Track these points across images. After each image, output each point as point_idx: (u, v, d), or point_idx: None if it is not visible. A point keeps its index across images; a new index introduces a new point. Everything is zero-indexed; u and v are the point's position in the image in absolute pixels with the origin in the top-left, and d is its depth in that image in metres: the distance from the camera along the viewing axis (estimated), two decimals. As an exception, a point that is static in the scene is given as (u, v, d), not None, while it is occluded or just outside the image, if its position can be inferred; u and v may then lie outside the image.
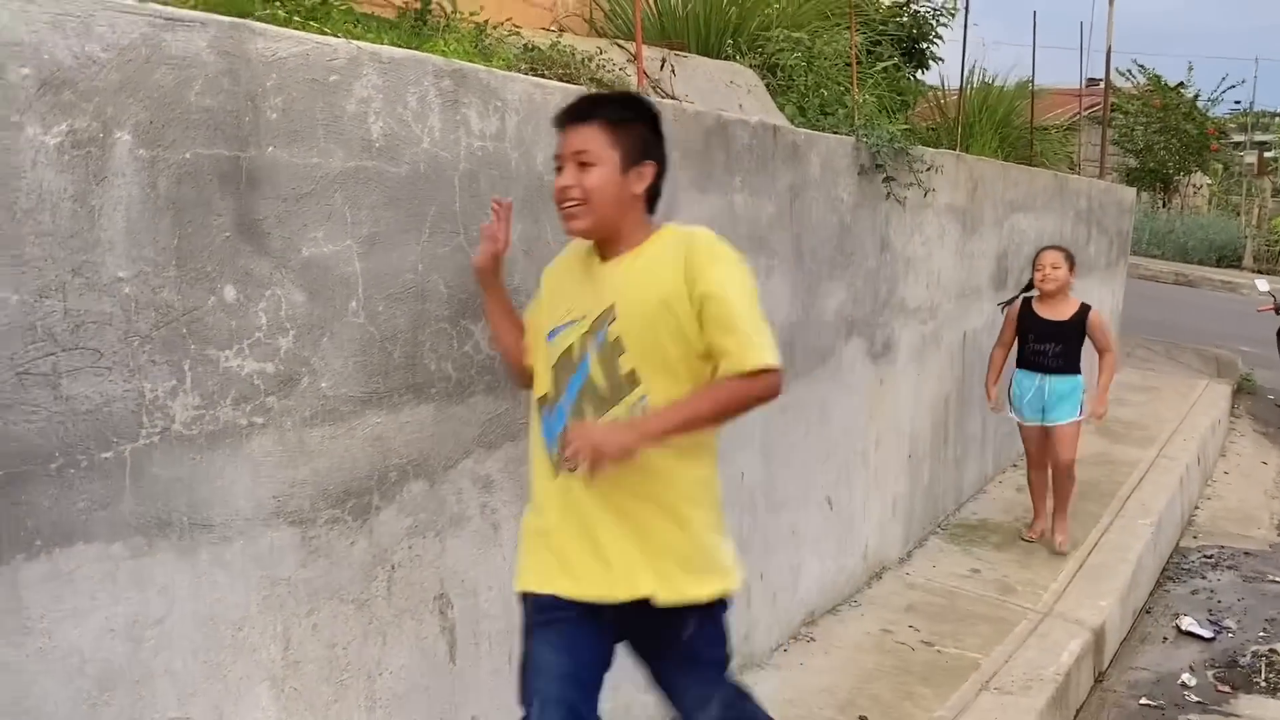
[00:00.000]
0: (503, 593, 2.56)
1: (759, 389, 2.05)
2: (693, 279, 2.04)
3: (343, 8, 2.75)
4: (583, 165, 2.06)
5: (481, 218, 2.39)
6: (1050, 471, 5.22)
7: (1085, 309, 5.07)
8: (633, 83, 2.95)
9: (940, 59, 7.87)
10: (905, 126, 4.70)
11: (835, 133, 4.07)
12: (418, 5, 3.11)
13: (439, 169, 2.29)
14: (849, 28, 5.12)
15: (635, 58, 3.30)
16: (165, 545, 1.81)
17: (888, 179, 4.26)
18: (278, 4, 2.33)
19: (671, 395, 2.06)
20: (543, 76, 2.68)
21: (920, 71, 7.85)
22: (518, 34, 3.08)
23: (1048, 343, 5.04)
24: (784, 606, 3.91)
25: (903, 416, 4.83)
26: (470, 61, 2.42)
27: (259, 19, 2.02)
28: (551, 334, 2.19)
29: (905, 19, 7.55)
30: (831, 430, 4.13)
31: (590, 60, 2.84)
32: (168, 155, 1.75)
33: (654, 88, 3.35)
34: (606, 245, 2.14)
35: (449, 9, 2.99)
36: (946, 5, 7.79)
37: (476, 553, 2.49)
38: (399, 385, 2.24)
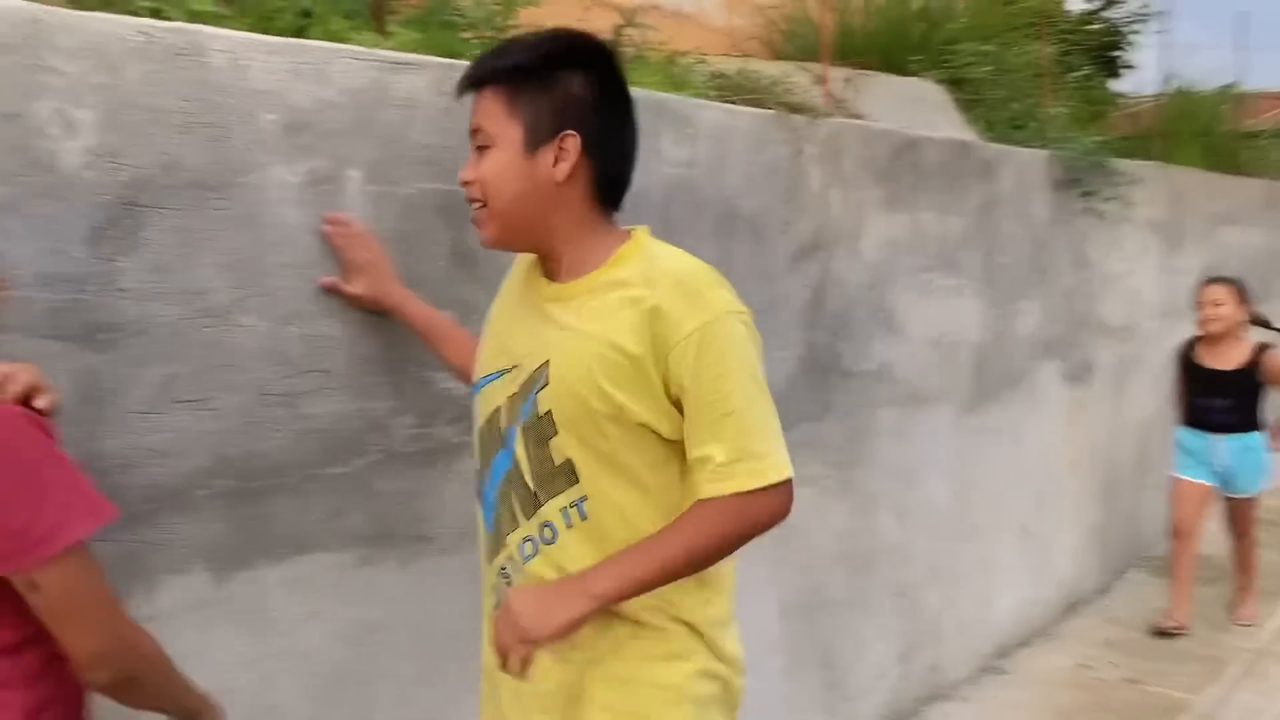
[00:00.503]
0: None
1: (759, 513, 1.45)
2: (663, 356, 1.42)
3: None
4: (480, 149, 1.49)
5: (673, 243, 2.44)
6: (1231, 538, 4.53)
7: (1262, 350, 4.19)
8: (819, 103, 2.95)
9: (1134, 66, 7.53)
10: (1100, 138, 4.51)
11: (1027, 147, 3.95)
12: (605, 36, 3.21)
13: (634, 196, 2.33)
14: (1039, 38, 4.96)
15: (820, 79, 3.30)
16: (388, 556, 1.92)
17: (1084, 193, 4.09)
18: (485, 44, 2.45)
19: (625, 504, 1.48)
20: (731, 102, 2.72)
21: (1113, 80, 7.52)
22: (704, 61, 3.13)
23: (1215, 397, 4.23)
24: (974, 637, 3.79)
25: (1101, 442, 4.62)
26: (664, 91, 2.49)
27: (468, 59, 2.14)
28: (479, 384, 1.61)
29: (1097, 27, 7.25)
30: (1025, 455, 3.99)
31: (777, 84, 2.87)
32: (393, 190, 1.87)
33: (841, 108, 3.34)
34: (546, 263, 1.56)
35: (638, 39, 3.07)
36: (1140, 11, 7.45)
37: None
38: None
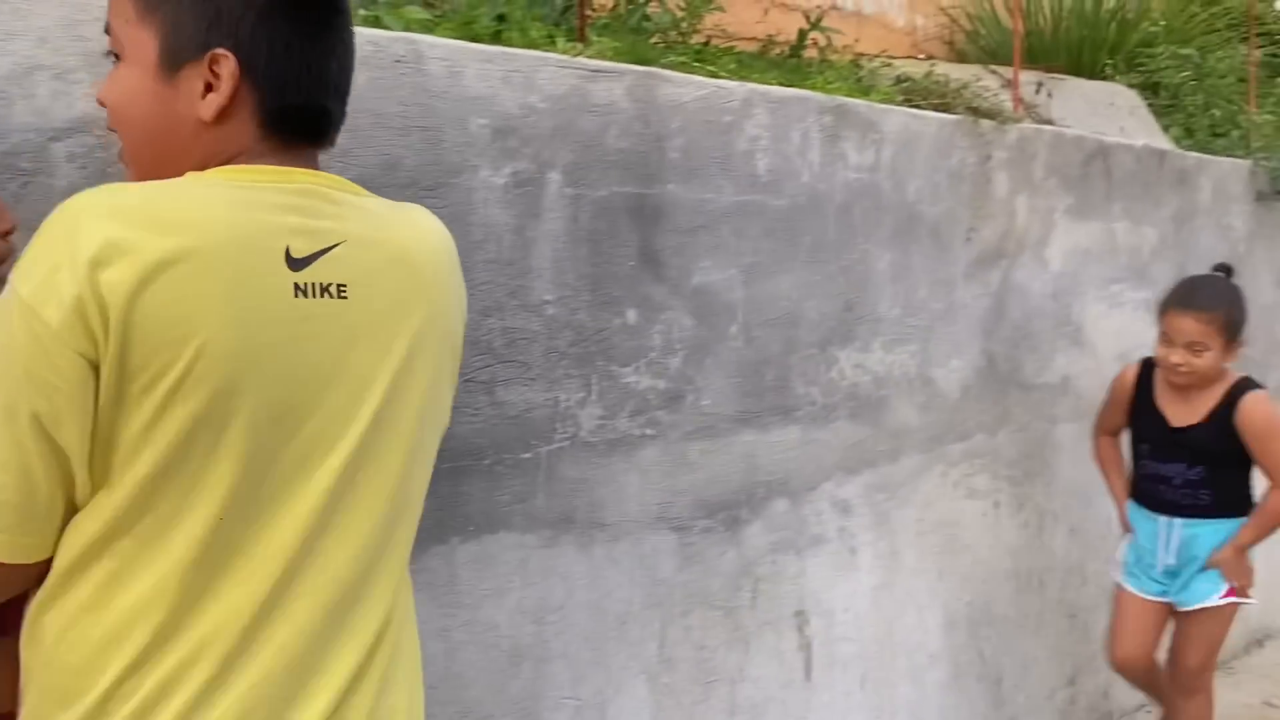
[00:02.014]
0: (856, 616, 2.60)
1: None
2: None
3: (724, 45, 2.92)
4: (114, 59, 1.09)
5: (852, 247, 2.46)
6: (1168, 677, 2.92)
7: (1239, 390, 2.70)
8: (1009, 108, 2.90)
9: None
10: (1310, 147, 4.24)
11: (1228, 156, 3.76)
12: (784, 36, 3.24)
13: (816, 201, 2.38)
14: (1244, 40, 4.70)
15: (1009, 83, 3.24)
16: (568, 539, 2.01)
17: (1290, 206, 3.86)
18: (672, 50, 2.52)
19: None
20: (918, 106, 2.71)
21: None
22: (890, 65, 3.12)
23: (1173, 461, 2.76)
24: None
25: (1297, 469, 4.33)
26: (850, 95, 2.50)
27: (662, 66, 2.21)
28: None
29: (1310, 26, 6.78)
30: (1212, 478, 3.79)
31: (965, 87, 2.83)
32: (588, 193, 1.96)
33: (1030, 113, 3.26)
34: None
35: (823, 42, 3.09)
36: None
37: (833, 574, 2.54)
38: (769, 406, 2.35)
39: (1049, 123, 3.24)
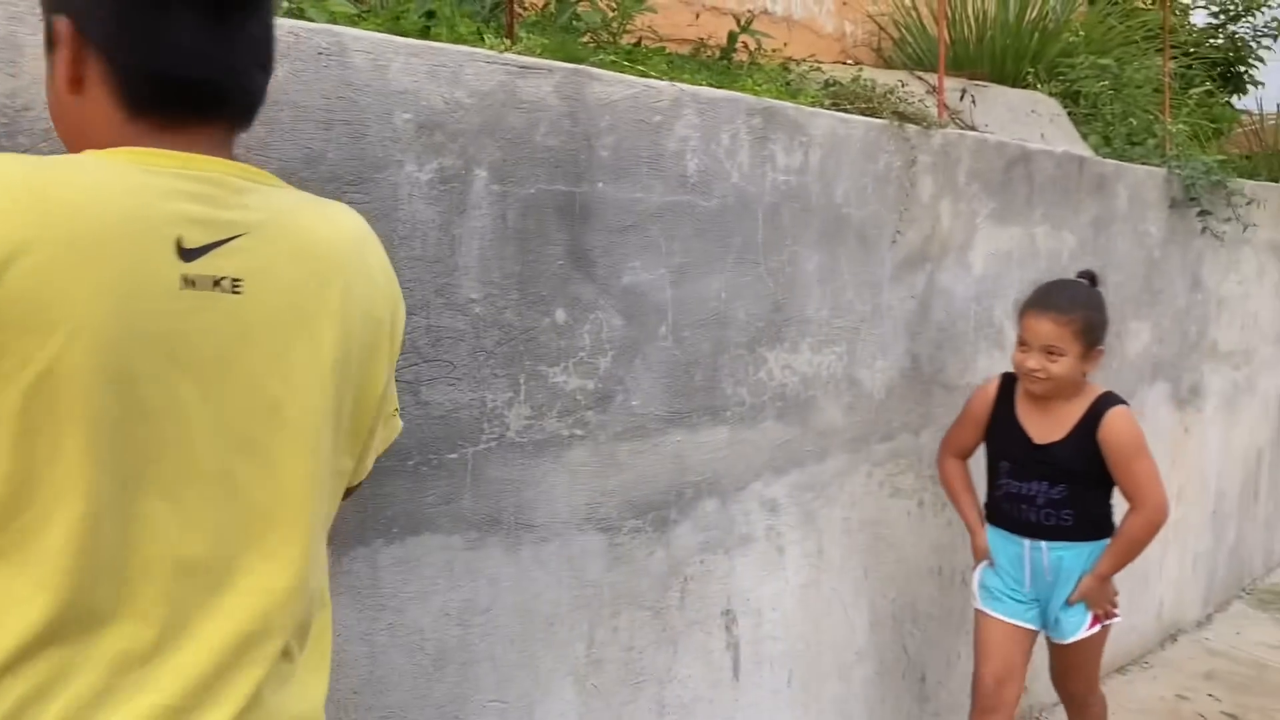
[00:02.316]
0: (784, 615, 2.61)
1: None
2: None
3: (655, 46, 2.92)
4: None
5: (781, 249, 2.47)
6: (1063, 696, 2.94)
7: (1103, 405, 2.59)
8: (934, 114, 2.94)
9: (1260, 83, 7.26)
10: (1221, 157, 4.38)
11: (1144, 163, 3.86)
12: (715, 40, 3.26)
13: (745, 202, 2.39)
14: (1159, 52, 4.84)
15: (935, 89, 3.29)
16: (494, 541, 1.99)
17: (1202, 213, 3.98)
18: (603, 49, 2.51)
19: None
20: (845, 110, 2.74)
21: (1236, 97, 7.27)
22: (819, 69, 3.15)
23: (1034, 480, 2.64)
24: (1068, 659, 3.71)
25: (1209, 469, 4.48)
26: (779, 99, 2.52)
27: (592, 64, 2.20)
28: None
29: (1221, 41, 7.02)
30: (1128, 477, 3.89)
31: (891, 93, 2.87)
32: (516, 190, 1.94)
33: (954, 119, 3.32)
34: None
35: (753, 45, 3.10)
36: (1268, 25, 7.17)
37: (761, 573, 2.56)
38: (698, 407, 2.35)
39: (972, 129, 3.30)
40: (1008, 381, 2.72)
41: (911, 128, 2.78)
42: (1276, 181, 5.12)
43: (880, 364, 2.84)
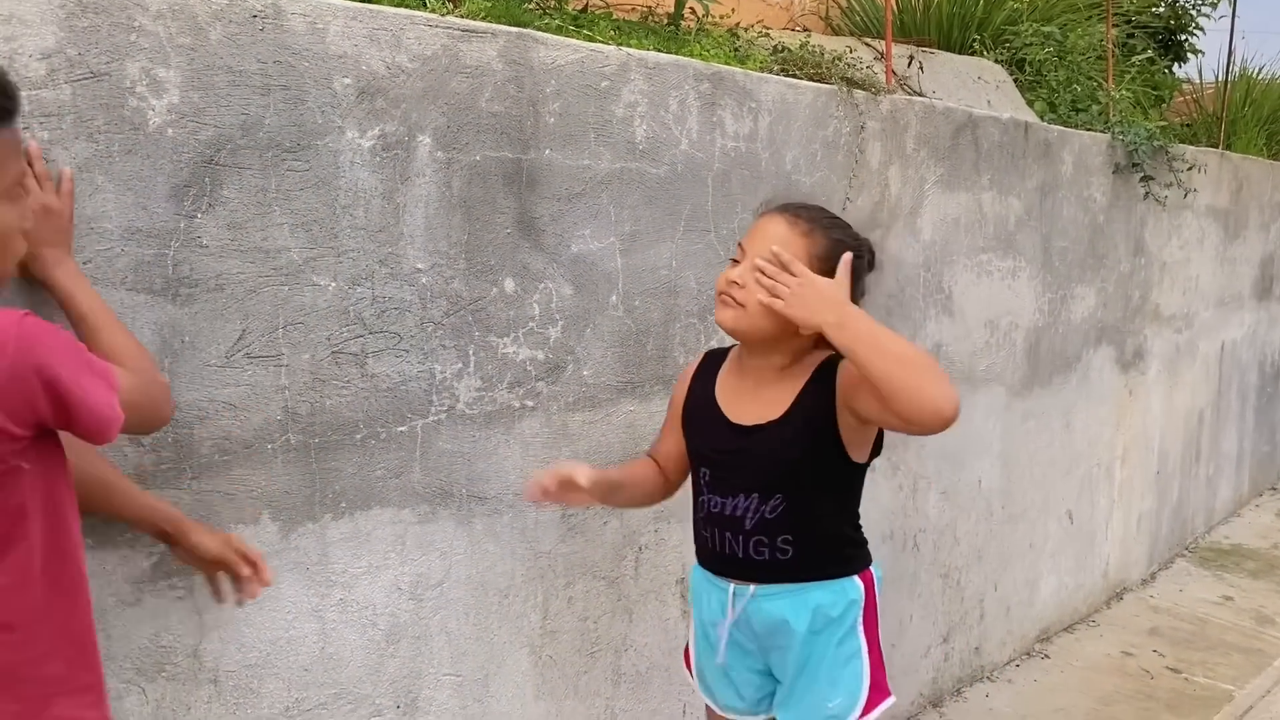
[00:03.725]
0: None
1: None
2: None
3: (602, 12, 2.88)
4: None
5: (731, 217, 2.46)
6: None
7: (825, 371, 1.74)
8: (882, 80, 2.94)
9: (1200, 51, 7.35)
10: (1162, 123, 4.43)
11: (1088, 130, 3.90)
12: (663, 8, 3.21)
13: (695, 169, 2.37)
14: (1102, 19, 4.87)
15: (882, 55, 3.28)
16: (446, 514, 1.97)
17: (1145, 178, 4.03)
18: (548, 14, 2.47)
19: None
20: (794, 76, 2.72)
21: (1177, 65, 7.36)
22: (767, 35, 3.12)
23: (731, 493, 1.78)
24: (1018, 620, 3.78)
25: (1152, 430, 4.57)
26: (728, 65, 2.49)
27: (537, 28, 2.16)
28: None
29: (1162, 9, 7.09)
30: (1075, 441, 3.96)
31: (840, 59, 2.85)
32: (461, 157, 1.90)
33: (902, 85, 3.32)
34: None
35: (700, 11, 3.07)
36: (1208, -7, 7.27)
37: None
38: (650, 376, 2.34)
39: (920, 95, 3.30)
40: (711, 360, 1.93)
41: (860, 93, 2.78)
42: (1216, 148, 5.21)
43: (831, 331, 2.84)
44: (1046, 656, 3.86)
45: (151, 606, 1.61)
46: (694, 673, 1.97)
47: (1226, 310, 5.15)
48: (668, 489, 1.95)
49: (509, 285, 2.01)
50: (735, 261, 1.77)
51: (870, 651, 1.81)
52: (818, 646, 1.77)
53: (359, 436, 1.82)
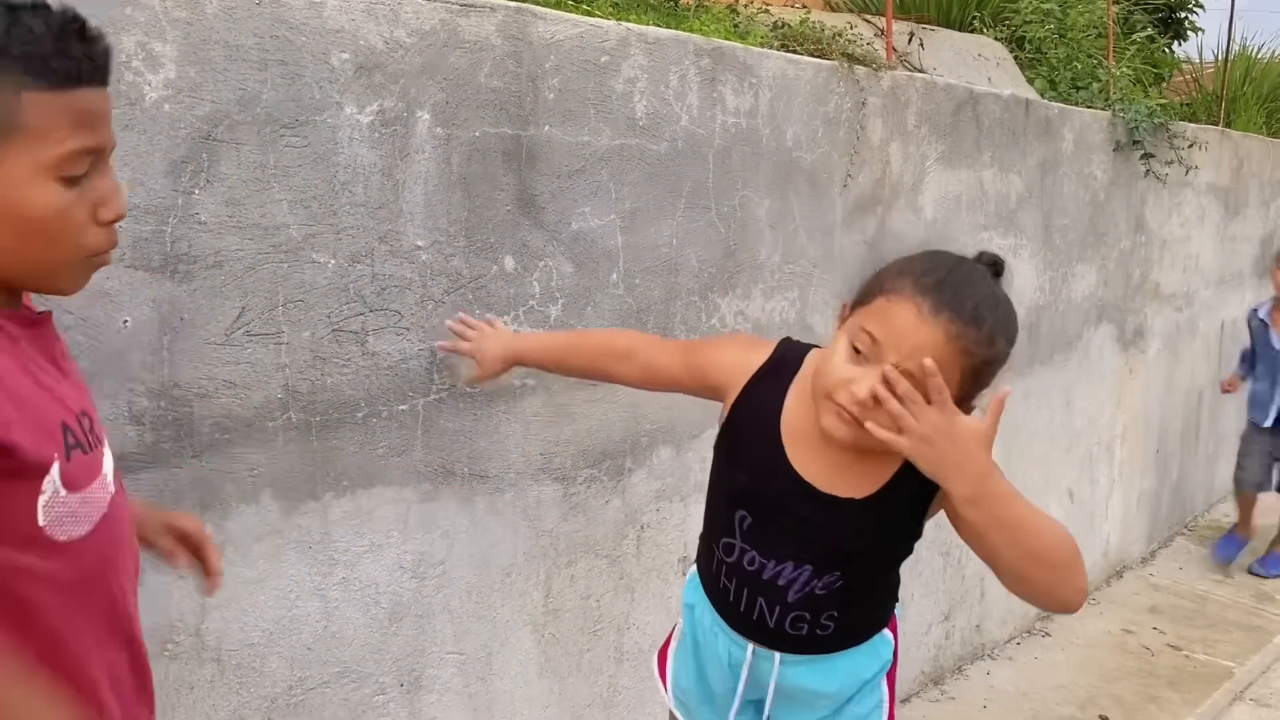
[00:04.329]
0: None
1: None
2: None
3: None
4: None
5: (732, 194, 2.44)
6: None
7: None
8: (883, 56, 2.91)
9: (1200, 29, 7.33)
10: (1162, 100, 4.41)
11: (1089, 107, 3.88)
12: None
13: (695, 145, 2.35)
14: (1103, -3, 4.85)
15: (883, 32, 3.26)
16: (448, 492, 1.96)
17: (1145, 156, 4.02)
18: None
19: None
20: (794, 52, 2.70)
21: (1177, 43, 7.33)
22: (767, 11, 3.10)
23: (778, 557, 1.48)
24: (1018, 599, 3.78)
25: (1152, 409, 4.57)
26: (727, 40, 2.47)
27: (536, 3, 2.14)
28: None
29: (1162, -14, 7.06)
30: (1075, 419, 3.95)
31: (840, 35, 2.83)
32: (460, 133, 1.89)
33: (903, 62, 3.30)
34: None
35: (699, -11, 3.05)
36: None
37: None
38: (652, 354, 2.32)
39: (920, 71, 3.29)
40: (785, 362, 1.54)
41: (861, 69, 2.76)
42: (1216, 126, 5.19)
43: (833, 309, 2.83)
44: (1047, 634, 3.86)
45: (154, 585, 1.60)
46: (669, 685, 1.73)
47: (1227, 288, 5.14)
48: (623, 380, 1.73)
49: (509, 263, 2.00)
50: (858, 351, 1.32)
51: (889, 699, 1.61)
52: (843, 708, 1.59)
53: (360, 415, 1.81)
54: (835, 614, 1.50)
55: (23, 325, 1.05)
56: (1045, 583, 1.27)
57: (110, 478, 1.11)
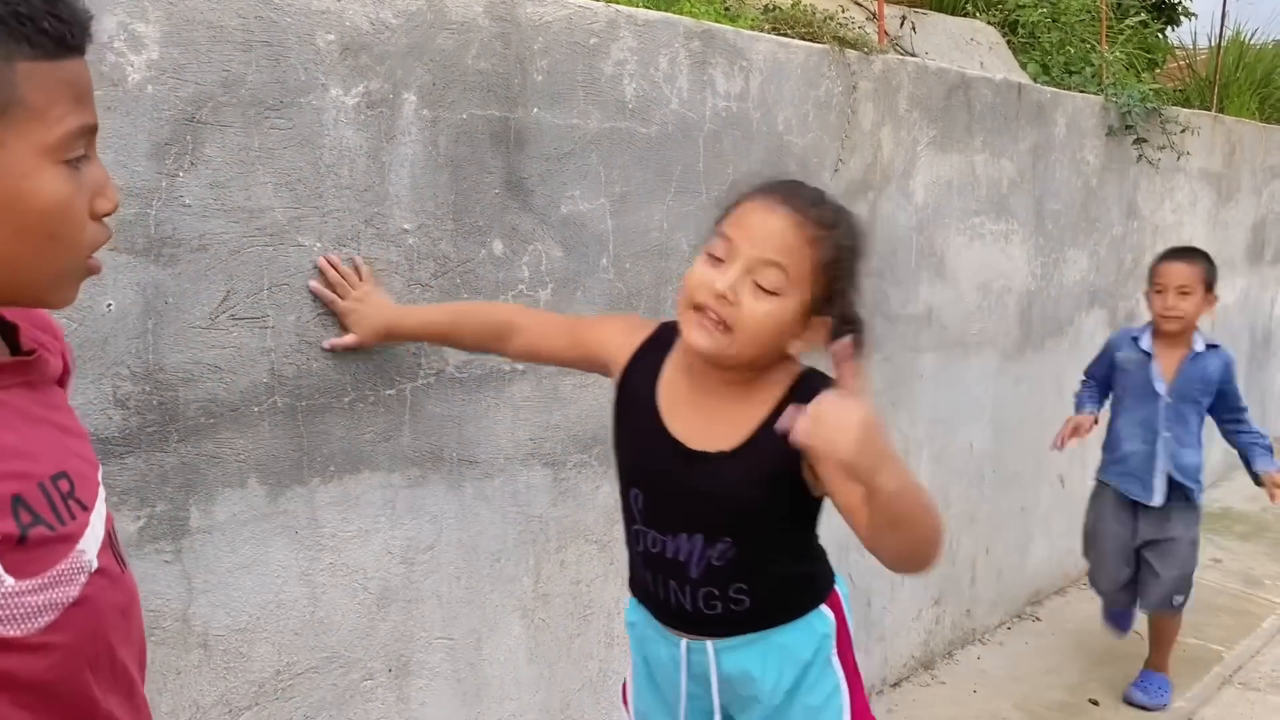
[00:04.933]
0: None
1: None
2: None
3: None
4: None
5: (723, 178, 2.43)
6: None
7: (805, 392, 1.40)
8: (874, 40, 2.90)
9: (1193, 14, 7.31)
10: (1155, 86, 4.40)
11: (1081, 92, 3.87)
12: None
13: (685, 129, 2.34)
14: (1096, -19, 4.83)
15: (874, 15, 3.25)
16: (436, 478, 1.95)
17: (1138, 141, 4.01)
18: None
19: None
20: (785, 36, 2.68)
21: (1170, 28, 7.31)
22: (757, -5, 3.08)
23: (670, 530, 1.50)
24: (1009, 584, 3.80)
25: (1143, 394, 4.57)
26: (718, 22, 2.46)
27: (524, -15, 2.11)
28: None
29: (1155, -29, 7.04)
30: (1067, 405, 3.95)
31: (831, 18, 2.82)
32: (447, 115, 1.87)
33: (894, 45, 3.29)
34: None
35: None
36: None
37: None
38: (642, 339, 2.31)
39: (912, 55, 3.27)
40: (661, 339, 1.58)
41: (852, 53, 2.74)
42: (1209, 111, 5.18)
43: (823, 294, 2.82)
44: (1038, 619, 3.88)
45: (139, 570, 1.58)
46: (632, 713, 1.73)
47: (1220, 274, 5.14)
48: (507, 356, 1.75)
49: (498, 247, 1.98)
50: (715, 259, 1.40)
51: (849, 680, 1.59)
52: (791, 697, 1.56)
53: (347, 399, 1.80)
54: (744, 586, 1.50)
55: None
56: (908, 561, 1.31)
57: (93, 552, 0.91)
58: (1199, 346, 3.16)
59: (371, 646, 1.90)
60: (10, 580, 0.82)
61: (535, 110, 2.01)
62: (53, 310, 0.96)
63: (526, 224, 2.03)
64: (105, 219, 0.92)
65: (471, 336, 1.75)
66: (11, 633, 0.82)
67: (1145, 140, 4.05)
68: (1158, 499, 3.16)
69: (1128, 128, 3.96)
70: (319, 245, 1.73)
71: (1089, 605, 4.01)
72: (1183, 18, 7.39)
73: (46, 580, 0.85)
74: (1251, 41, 7.62)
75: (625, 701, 1.77)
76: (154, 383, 1.57)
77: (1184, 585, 3.24)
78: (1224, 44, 6.92)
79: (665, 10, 2.40)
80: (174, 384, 1.59)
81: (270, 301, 1.68)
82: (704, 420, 1.47)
